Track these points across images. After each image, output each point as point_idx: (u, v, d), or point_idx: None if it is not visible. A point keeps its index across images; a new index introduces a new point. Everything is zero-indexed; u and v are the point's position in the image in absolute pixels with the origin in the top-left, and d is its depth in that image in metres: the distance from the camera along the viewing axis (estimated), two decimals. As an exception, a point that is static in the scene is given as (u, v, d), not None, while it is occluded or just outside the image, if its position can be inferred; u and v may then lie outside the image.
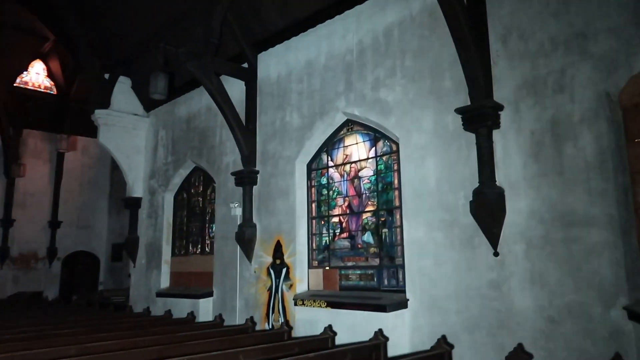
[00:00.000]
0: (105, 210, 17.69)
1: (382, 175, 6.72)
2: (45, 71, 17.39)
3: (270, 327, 7.58)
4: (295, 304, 7.06)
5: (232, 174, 8.50)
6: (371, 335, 5.54)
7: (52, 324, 7.36)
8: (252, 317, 6.90)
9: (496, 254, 5.14)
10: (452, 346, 4.90)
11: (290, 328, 6.37)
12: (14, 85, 16.66)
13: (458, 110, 5.41)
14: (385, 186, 6.64)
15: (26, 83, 17.08)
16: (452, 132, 5.75)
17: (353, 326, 6.15)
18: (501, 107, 5.29)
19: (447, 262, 5.57)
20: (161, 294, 9.91)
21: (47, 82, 17.44)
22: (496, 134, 5.33)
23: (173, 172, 10.59)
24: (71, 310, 9.73)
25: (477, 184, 5.27)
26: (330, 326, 5.74)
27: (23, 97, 16.62)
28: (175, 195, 10.74)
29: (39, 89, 17.32)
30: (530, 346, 4.73)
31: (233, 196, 8.77)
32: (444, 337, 5.01)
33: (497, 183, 5.21)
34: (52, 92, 17.50)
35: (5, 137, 15.86)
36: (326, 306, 6.59)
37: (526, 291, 4.90)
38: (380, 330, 5.08)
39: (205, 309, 8.69)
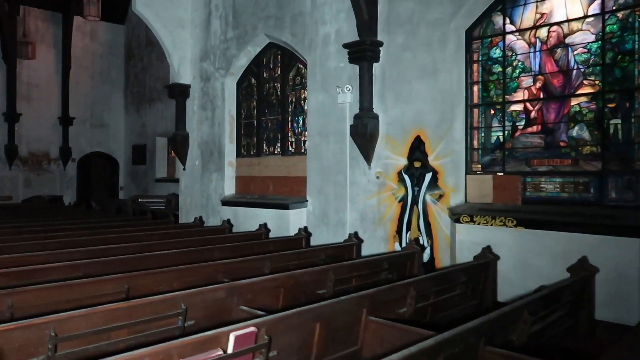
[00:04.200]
0: (121, 106, 15.27)
1: (613, 40, 4.57)
2: None
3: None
4: (458, 221, 5.19)
5: (346, 45, 6.23)
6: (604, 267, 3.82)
7: (139, 240, 5.48)
8: (416, 239, 5.07)
9: None
10: None
11: (497, 257, 4.51)
12: (4, -53, 13.45)
13: None
14: (620, 56, 4.53)
15: (19, -54, 13.84)
16: None
17: (564, 254, 4.34)
18: None
19: None
20: (229, 202, 7.97)
21: (45, -54, 14.20)
22: None
23: (237, 51, 8.24)
24: (124, 220, 7.80)
25: None
26: (585, 258, 3.88)
27: (16, -36, 13.50)
28: (239, 82, 8.48)
29: (34, -45, 14.12)
30: None
31: (337, 79, 6.60)
32: None
33: None
34: (50, -40, 14.33)
35: (1, 14, 12.97)
36: (516, 225, 4.73)
37: None
38: None
39: (297, 223, 6.80)
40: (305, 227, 6.15)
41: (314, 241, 6.55)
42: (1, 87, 13.01)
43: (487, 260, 4.20)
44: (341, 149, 6.51)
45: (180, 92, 9.02)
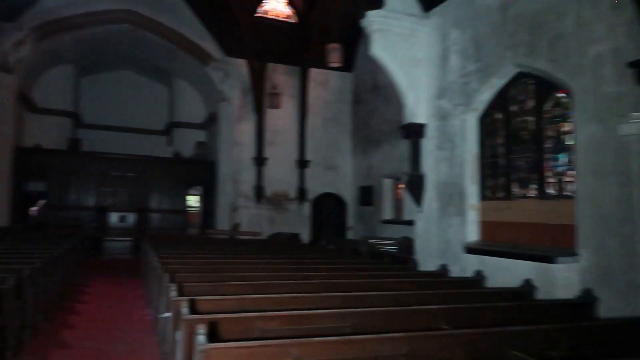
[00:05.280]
0: (348, 149, 16.05)
1: None
2: (286, -3, 16.03)
3: None
4: None
5: (634, 64, 5.10)
6: None
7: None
8: None
9: None
10: None
11: None
12: (255, 15, 15.63)
13: None
14: None
15: (267, 12, 15.97)
16: None
17: None
18: None
19: None
20: (475, 249, 7.26)
21: (288, 10, 16.09)
22: None
23: (478, 85, 7.67)
24: (365, 262, 7.79)
25: None
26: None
27: (264, 28, 15.51)
28: (482, 117, 7.84)
29: (278, 18, 16.08)
30: None
31: (616, 106, 5.44)
32: None
33: None
34: (292, 22, 16.14)
35: (253, 71, 15.03)
36: None
37: None
38: None
39: (566, 281, 5.71)
40: (589, 290, 4.98)
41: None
42: (252, 134, 14.89)
43: None
44: (627, 192, 5.27)
45: (415, 132, 8.80)
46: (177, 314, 3.61)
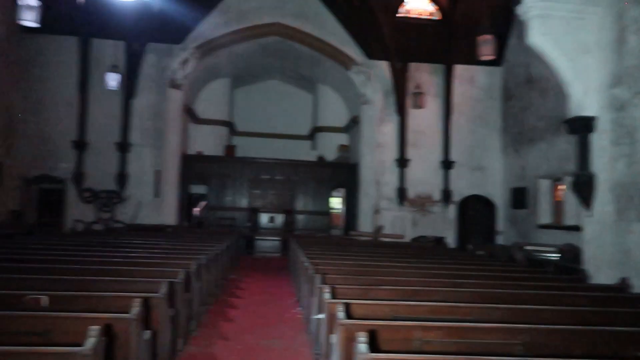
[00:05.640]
0: (497, 149, 14.96)
1: None
2: (429, -6, 15.52)
3: None
4: None
5: None
6: None
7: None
8: None
9: None
10: None
11: None
12: (397, 15, 15.39)
13: None
14: None
15: (408, 11, 15.62)
16: None
17: None
18: None
19: None
20: (665, 263, 6.15)
21: (431, 7, 15.57)
22: None
23: (667, 67, 6.48)
24: (522, 271, 7.02)
25: None
26: None
27: (406, 27, 15.18)
28: (673, 106, 6.63)
29: (421, 17, 15.63)
30: None
31: None
32: None
33: None
34: (435, 19, 15.57)
35: (395, 72, 14.83)
36: None
37: None
38: None
39: None
40: None
41: None
42: (394, 136, 14.69)
43: None
44: None
45: (583, 126, 7.76)
46: (332, 317, 3.54)
